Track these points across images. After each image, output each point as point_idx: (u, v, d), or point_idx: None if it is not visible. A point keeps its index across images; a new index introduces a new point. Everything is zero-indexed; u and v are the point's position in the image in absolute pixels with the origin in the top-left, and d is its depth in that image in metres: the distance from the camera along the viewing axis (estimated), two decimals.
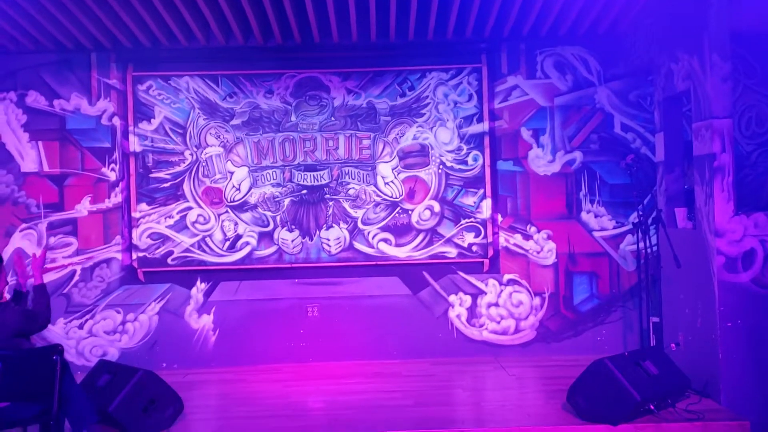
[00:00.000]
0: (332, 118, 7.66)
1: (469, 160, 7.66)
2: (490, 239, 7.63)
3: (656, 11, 6.86)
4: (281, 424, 5.55)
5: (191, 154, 7.61)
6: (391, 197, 7.66)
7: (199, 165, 7.61)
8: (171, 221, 7.60)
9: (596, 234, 7.58)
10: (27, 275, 5.28)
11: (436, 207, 7.66)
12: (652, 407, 5.38)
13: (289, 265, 7.63)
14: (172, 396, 5.58)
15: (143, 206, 7.59)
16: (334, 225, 7.63)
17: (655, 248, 6.75)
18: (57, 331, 7.34)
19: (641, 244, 6.71)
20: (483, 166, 7.64)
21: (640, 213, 6.75)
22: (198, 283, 7.60)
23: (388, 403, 6.09)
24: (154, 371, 5.75)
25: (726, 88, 5.81)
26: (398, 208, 7.67)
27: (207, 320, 7.58)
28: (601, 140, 7.59)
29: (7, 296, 5.13)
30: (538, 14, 7.14)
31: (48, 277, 7.27)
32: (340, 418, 5.69)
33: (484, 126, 7.64)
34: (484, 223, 7.65)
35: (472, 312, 7.64)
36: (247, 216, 7.62)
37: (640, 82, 7.50)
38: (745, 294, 5.76)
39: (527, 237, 7.65)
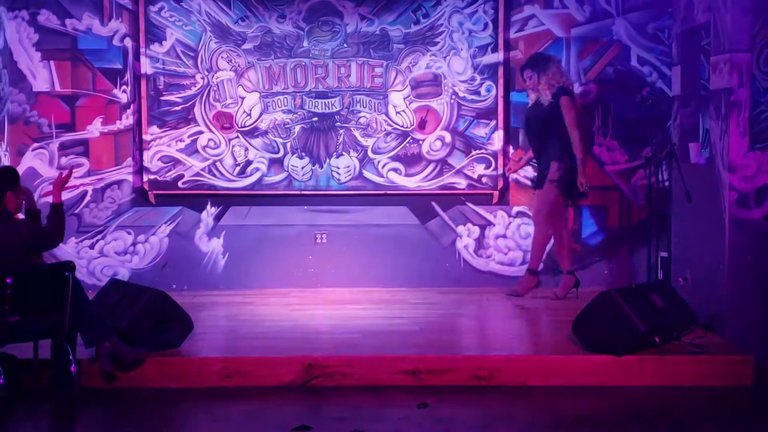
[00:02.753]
0: (345, 45, 7.56)
1: (482, 90, 7.58)
2: (500, 171, 7.60)
3: None
4: (288, 345, 5.63)
5: (202, 78, 7.55)
6: (402, 127, 7.62)
7: (210, 89, 7.56)
8: (182, 145, 7.58)
9: (607, 168, 7.53)
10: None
11: (447, 137, 7.62)
12: (657, 340, 5.39)
13: (298, 192, 7.63)
14: (182, 316, 5.63)
15: (154, 129, 7.57)
16: (344, 153, 7.61)
17: (666, 183, 6.72)
18: (68, 250, 7.39)
19: (653, 179, 6.68)
20: (496, 97, 7.56)
21: (653, 147, 6.70)
22: (208, 207, 7.62)
23: (393, 328, 6.16)
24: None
25: (747, 22, 5.70)
26: (409, 138, 7.63)
27: (217, 244, 7.62)
28: (617, 73, 7.49)
29: (21, 216, 5.17)
30: None
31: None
32: (346, 341, 5.76)
33: (499, 56, 7.54)
34: (495, 154, 7.61)
35: (480, 243, 7.65)
36: (257, 142, 7.60)
37: (659, 14, 7.35)
38: (756, 230, 5.75)
39: None
